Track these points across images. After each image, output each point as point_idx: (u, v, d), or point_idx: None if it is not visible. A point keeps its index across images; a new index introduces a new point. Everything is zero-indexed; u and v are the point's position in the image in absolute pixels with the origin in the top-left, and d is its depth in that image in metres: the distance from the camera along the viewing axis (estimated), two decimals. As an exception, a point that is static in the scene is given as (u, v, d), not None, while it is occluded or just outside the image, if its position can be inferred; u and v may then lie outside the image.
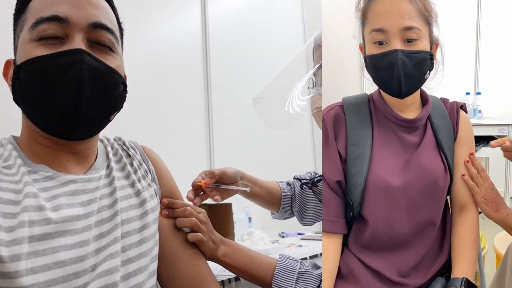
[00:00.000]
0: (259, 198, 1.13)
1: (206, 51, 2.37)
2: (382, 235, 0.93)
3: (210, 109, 2.34)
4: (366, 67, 0.94)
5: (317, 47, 1.04)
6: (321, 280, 0.87)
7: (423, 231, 0.93)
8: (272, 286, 0.87)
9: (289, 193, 1.16)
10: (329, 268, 0.90)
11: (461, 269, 0.89)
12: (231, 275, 1.14)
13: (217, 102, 2.38)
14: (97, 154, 0.79)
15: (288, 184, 1.19)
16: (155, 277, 0.77)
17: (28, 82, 0.67)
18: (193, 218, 0.85)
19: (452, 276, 0.89)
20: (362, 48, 0.96)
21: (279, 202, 1.16)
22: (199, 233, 0.85)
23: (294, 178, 1.20)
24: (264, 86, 1.05)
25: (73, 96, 0.65)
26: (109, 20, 0.73)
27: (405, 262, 0.92)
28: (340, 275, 0.94)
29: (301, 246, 1.72)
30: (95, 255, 0.67)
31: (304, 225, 1.21)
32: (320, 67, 0.99)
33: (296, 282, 0.86)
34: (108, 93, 0.71)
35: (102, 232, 0.69)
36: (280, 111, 0.97)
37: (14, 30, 0.74)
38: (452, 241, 0.95)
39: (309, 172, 1.22)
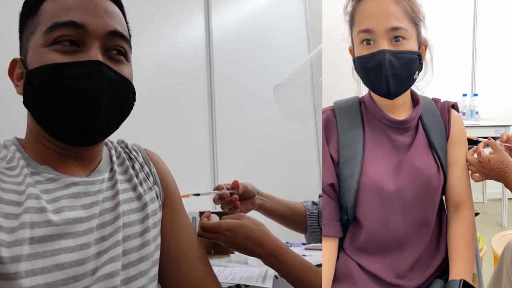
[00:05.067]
0: (279, 215, 1.11)
1: (210, 61, 2.39)
2: (377, 237, 0.93)
3: (214, 117, 2.36)
4: (356, 69, 0.95)
5: None
6: None
7: (418, 231, 0.93)
8: None
9: (315, 211, 1.12)
10: (325, 271, 0.90)
11: (458, 271, 0.89)
12: (232, 283, 1.14)
13: (221, 110, 2.40)
14: (101, 157, 0.78)
15: (314, 203, 1.15)
16: (156, 282, 0.77)
17: (42, 88, 0.66)
18: None
19: (450, 278, 0.89)
20: (351, 50, 0.96)
21: (304, 221, 1.12)
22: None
23: (319, 196, 1.16)
24: (268, 93, 1.01)
25: (90, 107, 0.65)
26: (123, 28, 0.73)
27: (402, 263, 0.92)
28: (337, 278, 0.94)
29: (305, 255, 1.67)
30: (96, 258, 0.66)
31: None
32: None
33: None
34: (122, 103, 0.71)
35: (104, 235, 0.69)
36: (301, 102, 0.93)
37: (21, 30, 0.73)
38: (449, 242, 0.94)
39: None
